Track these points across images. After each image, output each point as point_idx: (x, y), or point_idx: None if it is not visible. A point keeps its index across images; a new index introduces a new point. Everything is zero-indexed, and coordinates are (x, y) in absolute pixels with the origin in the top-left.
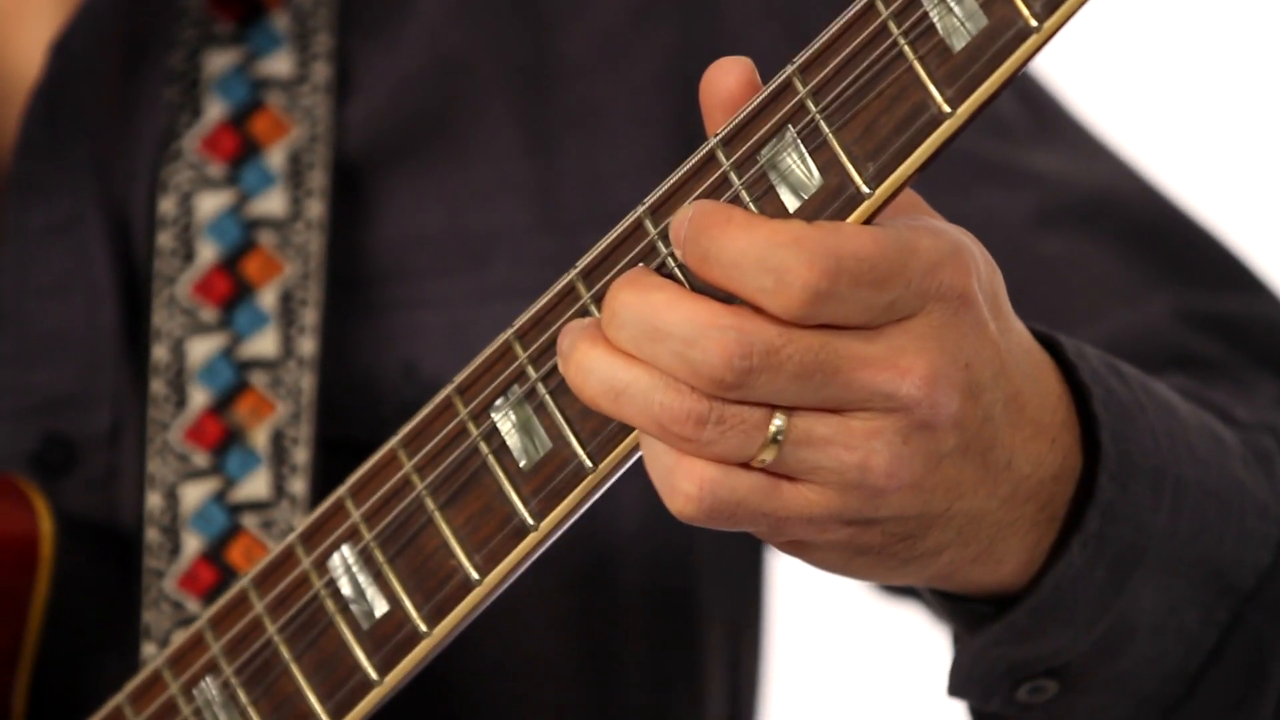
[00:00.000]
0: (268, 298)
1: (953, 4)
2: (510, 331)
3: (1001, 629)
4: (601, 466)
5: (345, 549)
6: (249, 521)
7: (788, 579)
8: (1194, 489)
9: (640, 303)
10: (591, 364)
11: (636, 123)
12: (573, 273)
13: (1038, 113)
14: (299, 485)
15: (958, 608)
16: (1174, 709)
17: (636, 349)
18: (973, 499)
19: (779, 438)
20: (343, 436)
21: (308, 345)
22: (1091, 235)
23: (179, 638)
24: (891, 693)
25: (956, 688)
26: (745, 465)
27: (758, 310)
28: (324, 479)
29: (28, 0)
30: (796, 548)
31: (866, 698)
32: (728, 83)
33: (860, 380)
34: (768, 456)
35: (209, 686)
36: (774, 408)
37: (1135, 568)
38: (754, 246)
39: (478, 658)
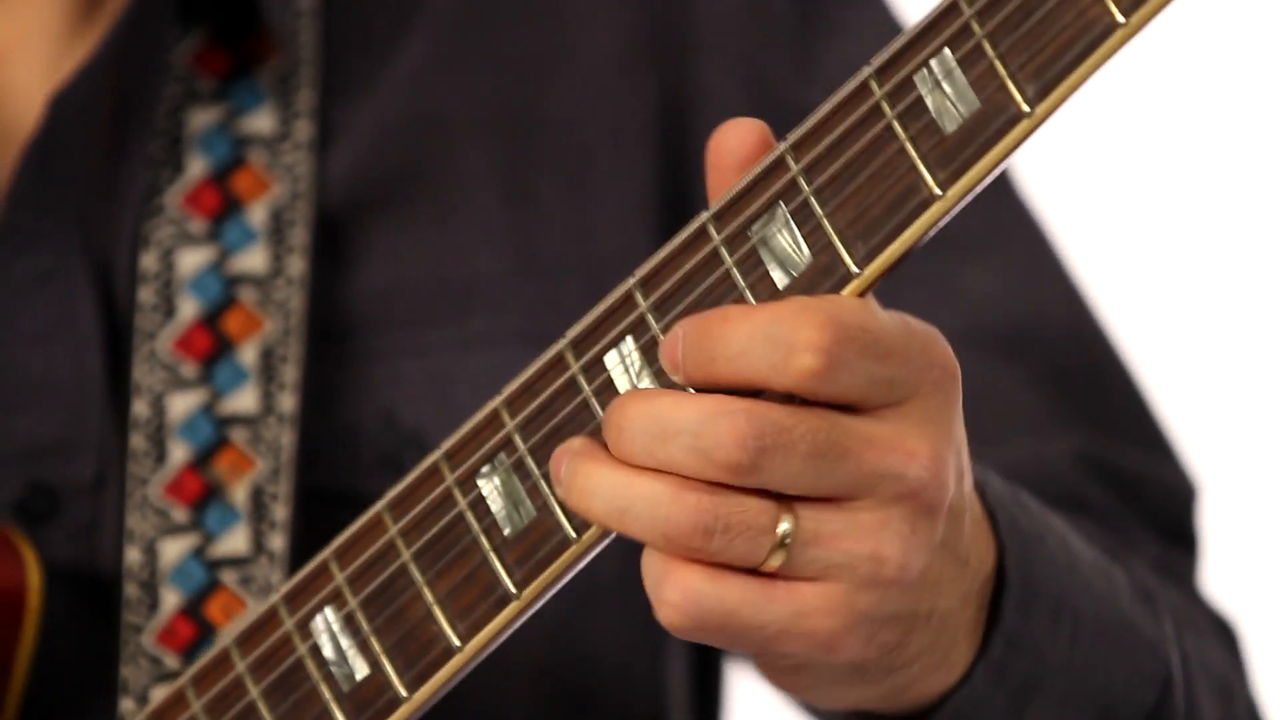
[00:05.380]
0: (248, 354)
1: (942, 81)
2: (499, 399)
3: None
4: (585, 537)
5: (329, 611)
6: (228, 577)
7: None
8: (1090, 623)
9: (647, 408)
10: (594, 484)
11: (618, 172)
12: (562, 342)
13: (994, 218)
14: (278, 541)
15: None
16: None
17: (648, 455)
18: (948, 597)
19: (787, 540)
20: (321, 486)
21: (288, 402)
22: (1010, 364)
23: (159, 695)
24: None
25: None
26: (743, 571)
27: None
28: (303, 530)
29: (23, 44)
30: (792, 673)
31: None
32: (736, 144)
33: (870, 462)
34: (776, 561)
35: None
36: (780, 502)
37: (1030, 699)
38: (759, 328)
39: (458, 705)
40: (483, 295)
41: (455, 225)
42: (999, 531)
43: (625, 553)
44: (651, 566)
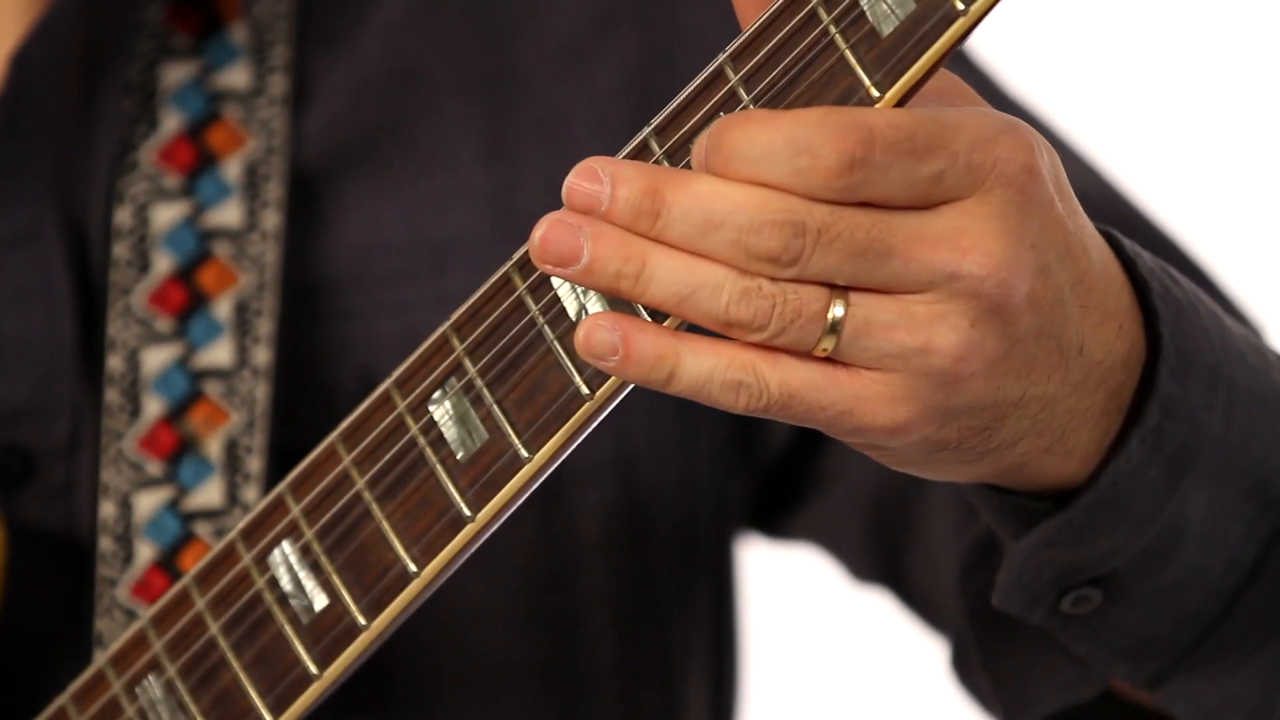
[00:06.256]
0: (223, 308)
1: None
2: (447, 324)
3: (1056, 525)
4: (538, 456)
5: (285, 544)
6: (202, 529)
7: (762, 579)
8: (1245, 394)
9: (687, 197)
10: (655, 269)
11: (596, 130)
12: (509, 264)
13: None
14: (252, 493)
15: (1012, 506)
16: (1211, 630)
17: (689, 244)
18: (1047, 385)
19: (838, 326)
20: (297, 444)
21: (262, 355)
22: None
23: (122, 636)
24: (873, 692)
25: (1002, 593)
26: (804, 355)
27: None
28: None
29: None
30: (875, 450)
31: (847, 697)
32: None
33: (918, 258)
34: (828, 344)
35: (152, 685)
36: (833, 289)
37: (1189, 469)
38: (781, 132)
39: (440, 664)
40: (460, 253)
41: (432, 183)
42: (1152, 299)
43: (607, 512)
44: (710, 351)
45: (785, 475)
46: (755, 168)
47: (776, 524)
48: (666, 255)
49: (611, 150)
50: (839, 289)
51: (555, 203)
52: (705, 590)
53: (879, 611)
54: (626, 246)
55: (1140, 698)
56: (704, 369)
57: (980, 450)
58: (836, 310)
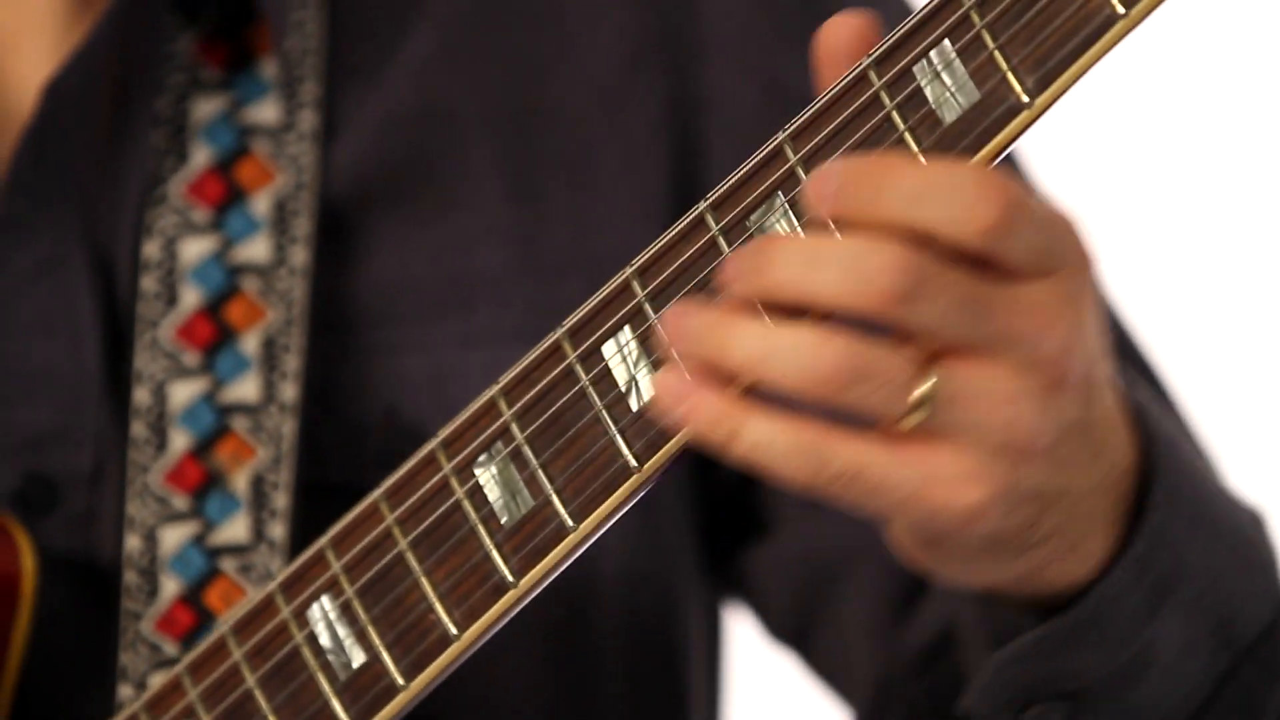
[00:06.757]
0: (250, 343)
1: (941, 71)
2: (496, 388)
3: (1036, 639)
4: (583, 526)
5: (325, 600)
6: (227, 565)
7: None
8: (1222, 532)
9: (799, 242)
10: (732, 334)
11: (625, 170)
12: (559, 331)
13: None
14: (278, 530)
15: (995, 619)
16: None
17: (798, 282)
18: (1080, 480)
19: (927, 398)
20: (323, 481)
21: (289, 391)
22: None
23: (157, 682)
24: None
25: (974, 697)
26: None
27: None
28: (303, 523)
29: (24, 32)
30: (930, 547)
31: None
32: (848, 34)
33: (1014, 323)
34: (915, 418)
35: None
36: (926, 359)
37: (1168, 598)
38: (937, 178)
39: (453, 697)
40: (486, 291)
41: (459, 220)
42: (1148, 425)
43: (629, 545)
44: (778, 417)
45: (731, 514)
46: (905, 206)
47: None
48: (748, 320)
49: (639, 192)
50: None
51: (581, 241)
52: (704, 622)
53: None
54: (709, 317)
55: None
56: (768, 432)
57: (1022, 545)
58: (927, 380)
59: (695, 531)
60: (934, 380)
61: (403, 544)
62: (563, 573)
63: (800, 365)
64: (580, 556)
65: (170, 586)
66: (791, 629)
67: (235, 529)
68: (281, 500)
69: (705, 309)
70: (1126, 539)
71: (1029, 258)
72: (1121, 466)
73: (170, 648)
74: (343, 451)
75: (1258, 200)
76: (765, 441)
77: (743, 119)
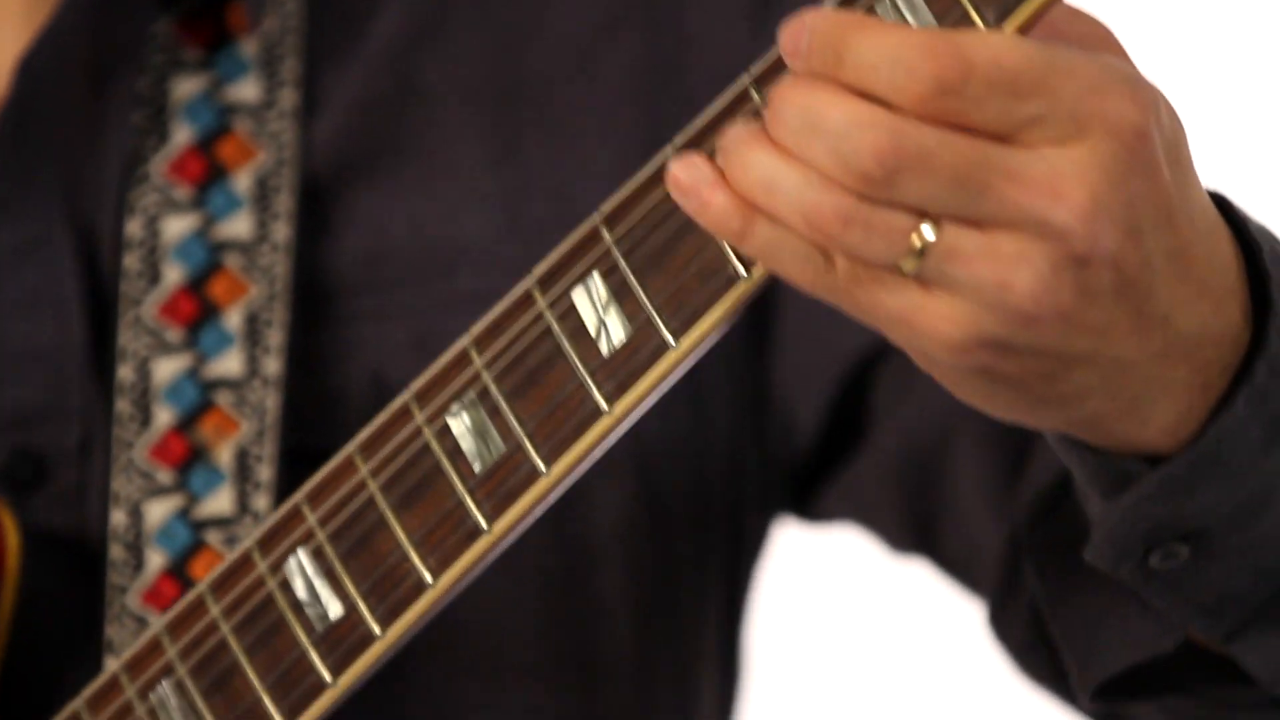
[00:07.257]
0: (233, 319)
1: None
2: (467, 338)
3: (1157, 482)
4: (555, 470)
5: (301, 553)
6: (212, 537)
7: (773, 574)
8: None
9: (804, 98)
10: (751, 159)
11: (603, 131)
12: (529, 280)
13: None
14: (262, 501)
15: (1101, 464)
16: None
17: (795, 143)
18: (1122, 347)
19: (923, 249)
20: (308, 447)
21: (272, 365)
22: None
23: (137, 643)
24: (878, 691)
25: (1095, 547)
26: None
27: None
28: (287, 492)
29: None
30: (931, 365)
31: (848, 694)
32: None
33: (1013, 198)
34: (908, 266)
35: (164, 689)
36: (923, 216)
37: None
38: (888, 47)
39: (454, 661)
40: (468, 256)
41: (440, 187)
42: (1263, 262)
43: (622, 509)
44: (784, 231)
45: (815, 456)
46: (860, 75)
47: (810, 505)
48: (766, 150)
49: (619, 154)
50: (929, 215)
51: (562, 204)
52: (719, 584)
53: (878, 612)
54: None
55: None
56: (779, 235)
57: (1042, 395)
58: (925, 232)
59: (704, 494)
60: (931, 234)
61: (376, 493)
62: (558, 531)
63: (801, 200)
64: (573, 518)
65: (156, 560)
66: (913, 531)
67: (220, 502)
68: (265, 473)
69: (741, 131)
70: (1229, 391)
71: (1009, 126)
72: (1202, 335)
73: (156, 620)
74: (326, 418)
75: (1258, 200)
76: (776, 242)
77: (727, 61)
